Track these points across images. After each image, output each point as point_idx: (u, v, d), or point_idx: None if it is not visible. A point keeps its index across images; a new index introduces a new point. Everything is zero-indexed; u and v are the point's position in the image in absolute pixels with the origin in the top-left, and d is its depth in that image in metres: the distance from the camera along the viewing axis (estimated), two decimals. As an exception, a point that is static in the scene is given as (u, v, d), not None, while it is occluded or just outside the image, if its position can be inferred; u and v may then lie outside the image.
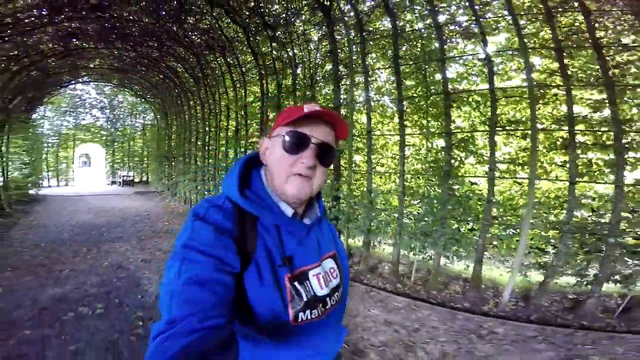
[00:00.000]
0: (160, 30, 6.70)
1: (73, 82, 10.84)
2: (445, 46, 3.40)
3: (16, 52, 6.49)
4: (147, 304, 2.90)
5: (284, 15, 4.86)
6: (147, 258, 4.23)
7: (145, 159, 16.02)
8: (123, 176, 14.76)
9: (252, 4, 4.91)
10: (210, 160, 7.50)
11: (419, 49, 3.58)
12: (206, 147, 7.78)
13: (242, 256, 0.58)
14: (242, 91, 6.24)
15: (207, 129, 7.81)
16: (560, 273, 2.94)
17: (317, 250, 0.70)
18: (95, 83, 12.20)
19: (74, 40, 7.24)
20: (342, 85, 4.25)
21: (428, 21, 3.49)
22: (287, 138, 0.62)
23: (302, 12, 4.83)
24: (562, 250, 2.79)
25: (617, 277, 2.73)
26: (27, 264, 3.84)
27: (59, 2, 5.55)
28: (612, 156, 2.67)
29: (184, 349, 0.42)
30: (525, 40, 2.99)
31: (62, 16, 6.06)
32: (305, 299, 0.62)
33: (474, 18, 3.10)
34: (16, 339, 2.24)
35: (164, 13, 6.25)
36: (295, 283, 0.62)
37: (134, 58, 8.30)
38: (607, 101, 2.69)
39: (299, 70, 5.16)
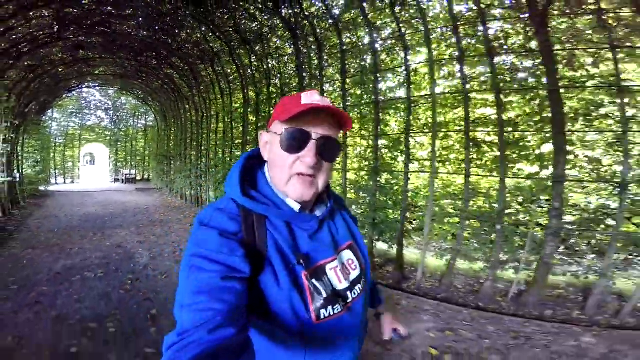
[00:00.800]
0: (157, 42, 7.57)
1: (80, 86, 11.82)
2: (388, 58, 4.17)
3: (32, 62, 7.41)
4: (136, 270, 3.76)
5: (261, 32, 5.68)
6: (142, 240, 5.10)
7: (147, 158, 17.01)
8: (126, 174, 15.79)
9: (233, 22, 5.74)
10: (203, 159, 8.36)
11: (360, 62, 4.36)
12: (200, 148, 8.66)
13: (253, 258, 0.56)
14: (228, 98, 7.09)
15: (200, 131, 8.69)
16: (468, 257, 3.60)
17: (331, 242, 0.67)
18: (100, 87, 13.18)
19: (81, 50, 8.16)
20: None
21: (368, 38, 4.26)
22: (285, 136, 0.59)
23: (277, 29, 5.64)
24: (460, 236, 3.52)
25: (513, 263, 3.33)
26: (44, 244, 4.73)
27: (68, 19, 6.43)
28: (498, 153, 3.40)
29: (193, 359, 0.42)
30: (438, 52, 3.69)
31: (71, 30, 6.96)
32: (324, 295, 0.60)
33: (398, 34, 3.85)
34: (36, 292, 3.09)
35: (158, 28, 7.12)
36: (313, 280, 0.60)
37: (135, 66, 9.21)
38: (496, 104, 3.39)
39: (277, 81, 5.98)
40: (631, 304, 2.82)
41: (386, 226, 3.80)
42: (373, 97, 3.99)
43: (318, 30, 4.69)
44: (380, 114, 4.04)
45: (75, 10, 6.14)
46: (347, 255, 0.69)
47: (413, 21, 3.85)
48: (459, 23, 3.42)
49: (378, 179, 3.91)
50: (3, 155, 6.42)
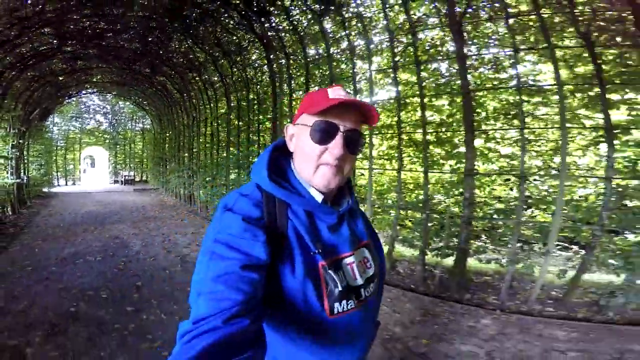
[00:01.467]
0: (148, 53, 8.29)
1: (79, 93, 12.60)
2: (347, 67, 4.84)
3: (35, 73, 8.16)
4: (129, 255, 4.50)
5: (239, 45, 6.37)
6: (136, 232, 5.84)
7: (145, 160, 17.80)
8: (125, 176, 16.60)
9: (213, 36, 6.44)
10: (194, 160, 9.09)
11: (321, 72, 5.05)
12: (191, 150, 9.40)
13: (273, 245, 0.57)
14: (215, 104, 7.81)
15: (191, 134, 9.42)
16: (409, 244, 4.21)
17: (350, 238, 0.68)
18: (98, 93, 13.96)
19: (79, 61, 8.91)
20: (281, 102, 5.74)
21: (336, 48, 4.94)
22: (315, 128, 0.61)
23: (253, 42, 6.33)
24: (395, 224, 4.21)
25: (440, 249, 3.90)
26: (51, 236, 5.48)
27: (66, 35, 7.15)
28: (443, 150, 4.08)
29: (208, 349, 0.43)
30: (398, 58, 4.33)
31: (69, 43, 7.69)
32: (340, 288, 0.61)
33: (349, 46, 4.52)
34: (46, 272, 3.80)
35: (148, 40, 7.84)
36: (330, 271, 0.61)
37: (129, 74, 9.95)
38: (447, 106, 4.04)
39: (257, 88, 6.67)
40: (535, 292, 3.08)
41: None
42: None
43: (286, 44, 5.39)
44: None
45: (72, 27, 6.86)
46: (364, 253, 0.71)
47: (360, 34, 4.53)
48: (393, 35, 4.08)
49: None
50: (12, 159, 7.19)
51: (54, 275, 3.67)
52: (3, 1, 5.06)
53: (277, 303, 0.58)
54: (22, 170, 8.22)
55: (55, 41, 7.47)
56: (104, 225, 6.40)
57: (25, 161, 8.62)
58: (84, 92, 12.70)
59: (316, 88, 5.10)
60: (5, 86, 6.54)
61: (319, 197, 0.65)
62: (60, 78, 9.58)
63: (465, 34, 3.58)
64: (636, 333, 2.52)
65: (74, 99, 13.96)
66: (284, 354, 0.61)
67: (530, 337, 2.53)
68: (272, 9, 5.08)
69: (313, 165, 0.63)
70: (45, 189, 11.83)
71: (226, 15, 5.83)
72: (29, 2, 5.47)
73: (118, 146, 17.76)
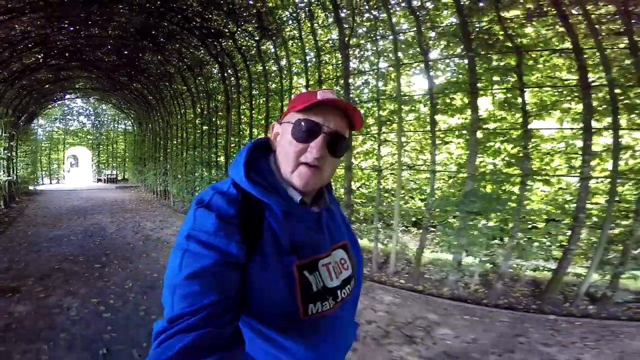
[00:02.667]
0: (125, 64, 9.55)
1: (63, 97, 13.73)
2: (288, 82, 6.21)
3: (24, 83, 9.34)
4: (104, 235, 5.83)
5: (201, 60, 7.70)
6: (113, 220, 7.15)
7: (127, 159, 18.92)
8: (107, 174, 17.72)
9: (177, 53, 7.76)
10: (167, 160, 10.40)
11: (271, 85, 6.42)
12: (166, 151, 10.70)
13: (247, 244, 0.57)
14: (184, 111, 9.14)
15: (165, 136, 10.72)
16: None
17: (327, 239, 0.69)
18: (81, 98, 15.08)
19: (62, 71, 10.10)
20: (237, 112, 7.10)
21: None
22: (297, 125, 0.62)
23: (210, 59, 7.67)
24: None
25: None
26: (40, 224, 6.75)
27: (51, 51, 8.38)
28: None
29: (186, 348, 0.43)
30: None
31: (54, 57, 8.90)
32: (315, 289, 0.62)
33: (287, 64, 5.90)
34: (38, 246, 5.09)
35: (125, 53, 9.11)
36: (305, 272, 0.62)
37: (109, 82, 11.18)
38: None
39: (219, 97, 8.00)
40: (391, 265, 3.95)
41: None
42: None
43: (235, 62, 6.76)
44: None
45: (55, 44, 8.08)
46: (340, 254, 0.72)
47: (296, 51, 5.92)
48: (321, 53, 5.46)
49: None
50: (4, 159, 8.39)
51: (44, 249, 4.99)
52: (-1, 31, 6.28)
53: (251, 303, 0.58)
54: (12, 169, 9.41)
55: (40, 57, 8.69)
56: (86, 216, 7.68)
57: (14, 161, 9.79)
58: (67, 97, 13.83)
59: (261, 101, 6.48)
60: (-1, 98, 7.76)
61: (297, 197, 0.65)
62: (46, 86, 10.77)
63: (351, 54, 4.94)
64: (447, 305, 3.30)
65: (58, 102, 15.05)
66: (261, 353, 0.60)
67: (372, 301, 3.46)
68: (225, 31, 6.43)
69: (292, 164, 0.63)
70: (31, 187, 12.94)
71: (187, 36, 7.16)
72: (18, 29, 6.71)
73: (101, 146, 18.84)
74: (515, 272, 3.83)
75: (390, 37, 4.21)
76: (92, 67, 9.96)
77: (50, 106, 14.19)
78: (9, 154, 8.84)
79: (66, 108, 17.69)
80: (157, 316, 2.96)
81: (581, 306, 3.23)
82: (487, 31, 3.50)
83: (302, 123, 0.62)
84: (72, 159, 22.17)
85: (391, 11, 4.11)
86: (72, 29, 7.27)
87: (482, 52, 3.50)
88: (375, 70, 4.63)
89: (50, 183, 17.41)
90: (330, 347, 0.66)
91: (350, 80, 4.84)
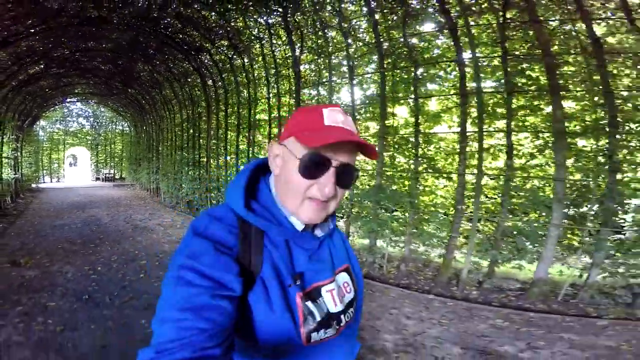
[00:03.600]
0: (120, 72, 10.63)
1: (64, 101, 14.88)
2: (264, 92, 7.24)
3: (29, 89, 10.45)
4: (99, 224, 6.91)
5: (186, 70, 8.76)
6: (108, 213, 8.23)
7: (124, 159, 20.07)
8: (105, 173, 18.87)
9: (164, 64, 8.83)
10: (160, 160, 11.48)
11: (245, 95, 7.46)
12: (158, 151, 11.79)
13: (246, 276, 0.56)
14: (173, 115, 10.22)
15: (158, 139, 11.81)
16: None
17: (330, 264, 0.69)
18: (80, 102, 16.22)
19: (63, 78, 11.21)
20: (216, 118, 8.14)
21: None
22: (304, 162, 0.58)
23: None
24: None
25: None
26: (44, 216, 7.84)
27: (52, 61, 9.47)
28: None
29: None
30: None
31: (54, 67, 10.00)
32: (318, 318, 0.61)
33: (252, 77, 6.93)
34: (44, 232, 6.18)
35: (120, 62, 10.19)
36: (308, 302, 0.61)
37: (106, 88, 12.28)
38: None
39: (203, 103, 9.06)
40: None
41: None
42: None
43: (213, 74, 7.82)
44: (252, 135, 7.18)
45: (56, 55, 9.16)
46: (344, 277, 0.71)
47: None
48: (279, 68, 6.48)
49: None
50: (11, 159, 9.51)
51: (48, 234, 6.07)
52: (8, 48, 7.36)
53: (252, 332, 0.57)
54: (17, 168, 10.53)
55: (43, 67, 9.79)
56: (84, 210, 8.77)
57: (20, 160, 10.91)
58: (67, 100, 14.97)
59: (235, 109, 7.52)
60: (8, 104, 8.86)
61: (299, 226, 0.63)
62: (48, 91, 11.88)
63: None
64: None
65: (59, 105, 16.20)
66: None
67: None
68: (205, 46, 7.47)
69: (299, 199, 0.60)
70: (34, 185, 14.08)
71: (172, 50, 8.22)
72: (24, 44, 7.79)
73: (99, 146, 20.00)
74: (428, 259, 4.79)
75: (333, 55, 5.25)
76: (90, 75, 11.06)
77: (51, 109, 15.33)
78: (16, 155, 9.96)
79: (66, 110, 18.85)
80: (130, 282, 4.02)
81: (466, 290, 3.74)
82: (395, 49, 4.50)
83: (310, 159, 0.57)
84: (72, 159, 23.37)
85: (327, 33, 5.15)
86: (70, 43, 8.35)
87: (391, 68, 4.50)
88: (320, 83, 5.67)
89: (51, 181, 18.58)
90: None
91: (305, 90, 5.90)
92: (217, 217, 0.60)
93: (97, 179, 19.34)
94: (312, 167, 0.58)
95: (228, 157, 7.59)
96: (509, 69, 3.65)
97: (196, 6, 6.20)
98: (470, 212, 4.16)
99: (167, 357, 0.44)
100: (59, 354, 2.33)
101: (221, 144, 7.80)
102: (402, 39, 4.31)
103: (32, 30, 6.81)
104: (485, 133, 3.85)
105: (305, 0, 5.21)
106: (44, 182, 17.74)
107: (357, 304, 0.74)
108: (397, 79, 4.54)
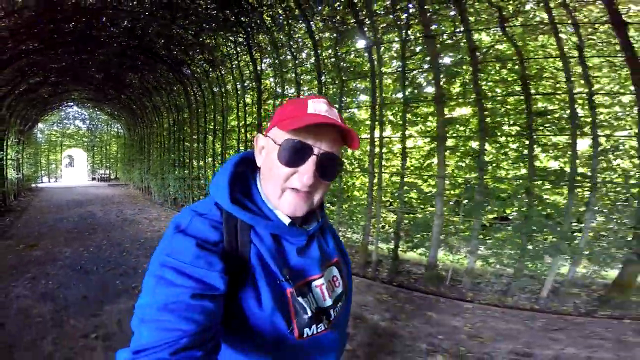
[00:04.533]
0: (112, 80, 11.72)
1: (61, 105, 16.00)
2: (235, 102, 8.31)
3: (30, 97, 11.56)
4: (94, 217, 8.04)
5: (171, 82, 9.83)
6: (101, 209, 9.35)
7: (119, 160, 21.20)
8: (101, 174, 20.00)
9: (151, 75, 9.90)
10: (150, 161, 12.58)
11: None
12: (149, 153, 12.89)
13: (232, 273, 0.55)
14: (161, 120, 11.31)
15: (149, 141, 12.91)
16: None
17: (319, 258, 0.68)
18: (77, 105, 17.33)
19: (60, 86, 12.31)
20: (197, 124, 9.21)
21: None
22: (284, 147, 0.57)
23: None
24: None
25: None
26: (45, 212, 8.96)
27: (50, 71, 10.55)
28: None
29: None
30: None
31: (52, 76, 11.09)
32: (309, 313, 0.61)
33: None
34: (46, 224, 7.30)
35: (112, 71, 11.27)
36: (299, 297, 0.61)
37: (100, 94, 13.38)
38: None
39: (187, 110, 10.13)
40: None
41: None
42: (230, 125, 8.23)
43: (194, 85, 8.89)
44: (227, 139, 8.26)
45: (53, 66, 10.24)
46: (333, 272, 0.72)
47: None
48: (245, 82, 7.55)
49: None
50: (14, 161, 10.63)
51: (50, 226, 7.17)
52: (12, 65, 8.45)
53: (241, 330, 0.57)
54: (19, 169, 11.65)
55: (42, 78, 10.89)
56: (81, 206, 9.88)
57: (21, 162, 12.03)
58: (64, 105, 16.09)
59: (212, 116, 8.60)
60: (11, 111, 9.98)
61: (286, 220, 0.63)
62: (46, 97, 13.00)
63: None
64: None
65: (56, 109, 17.32)
66: None
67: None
68: (187, 60, 8.54)
69: (279, 189, 0.60)
70: (33, 184, 15.21)
71: (157, 63, 9.30)
72: (25, 61, 8.87)
73: (95, 148, 21.11)
74: (351, 243, 5.84)
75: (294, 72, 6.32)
76: (85, 82, 12.17)
77: (49, 113, 16.45)
78: (18, 156, 11.09)
79: (63, 113, 19.92)
80: (114, 259, 5.07)
81: (377, 272, 4.44)
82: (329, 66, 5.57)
83: (290, 145, 0.57)
84: (69, 159, 24.54)
85: (280, 53, 6.21)
86: (65, 55, 9.43)
87: (330, 82, 5.56)
88: (278, 96, 6.73)
89: (49, 181, 19.71)
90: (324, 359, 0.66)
91: (270, 101, 6.96)
92: (200, 212, 0.59)
93: (93, 179, 20.47)
94: (292, 154, 0.57)
95: (209, 159, 8.69)
96: (406, 84, 4.62)
97: (173, 27, 7.27)
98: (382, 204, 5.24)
99: (144, 358, 0.44)
100: (53, 302, 3.39)
101: (202, 147, 8.89)
102: (333, 58, 5.38)
103: (32, 48, 7.90)
104: (386, 139, 4.90)
105: (267, 22, 6.27)
106: (42, 182, 18.85)
107: (347, 298, 0.74)
108: (331, 92, 5.60)
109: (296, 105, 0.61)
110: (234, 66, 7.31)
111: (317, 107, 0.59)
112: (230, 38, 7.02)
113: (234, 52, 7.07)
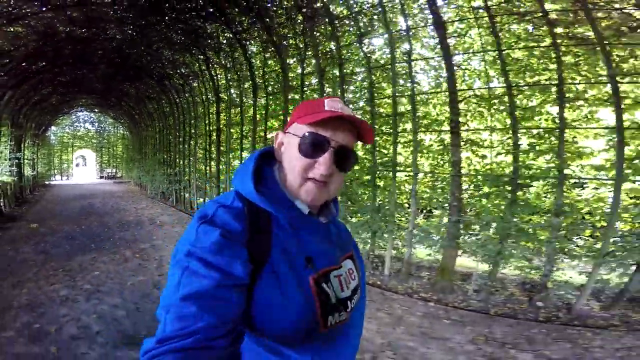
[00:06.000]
0: (113, 89, 13.61)
1: (70, 111, 18.19)
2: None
3: (42, 105, 13.60)
4: (94, 208, 9.85)
5: (162, 91, 11.56)
6: (101, 201, 11.20)
7: (124, 160, 23.40)
8: (108, 172, 22.20)
9: (146, 87, 11.68)
10: (146, 160, 14.44)
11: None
12: (145, 154, 14.76)
13: (255, 262, 0.58)
14: (154, 124, 13.11)
15: (145, 143, 14.79)
16: None
17: (337, 250, 0.72)
18: (86, 110, 19.52)
19: (68, 95, 14.33)
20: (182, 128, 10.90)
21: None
22: (304, 140, 0.63)
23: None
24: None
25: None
26: (56, 203, 10.86)
27: (58, 84, 12.50)
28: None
29: None
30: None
31: (59, 87, 13.06)
32: (332, 300, 0.64)
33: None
34: (55, 213, 9.13)
35: (111, 83, 13.15)
36: (323, 284, 0.63)
37: (104, 100, 15.36)
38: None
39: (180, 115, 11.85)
40: None
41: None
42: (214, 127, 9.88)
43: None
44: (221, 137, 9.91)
45: (59, 80, 12.17)
46: (349, 264, 0.74)
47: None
48: (219, 92, 9.16)
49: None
50: (30, 160, 12.67)
51: (58, 212, 9.00)
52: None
53: (264, 320, 0.58)
54: (34, 168, 13.73)
55: (51, 90, 12.89)
56: (84, 199, 11.77)
57: (36, 161, 14.13)
58: (73, 110, 18.27)
59: (193, 121, 10.26)
60: (27, 118, 12.00)
61: (305, 209, 0.66)
62: (57, 104, 15.08)
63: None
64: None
65: (67, 114, 19.56)
66: None
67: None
68: (170, 73, 10.23)
69: (299, 179, 0.64)
70: (46, 182, 17.43)
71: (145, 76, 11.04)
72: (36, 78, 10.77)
73: (103, 149, 23.36)
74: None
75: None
76: (89, 91, 14.14)
77: (61, 117, 18.67)
78: (33, 157, 13.16)
79: (74, 116, 22.24)
80: (98, 233, 6.78)
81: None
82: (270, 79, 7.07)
83: (309, 137, 0.62)
84: (81, 159, 27.03)
85: (237, 69, 7.76)
86: (69, 71, 11.33)
87: (271, 92, 7.06)
88: (237, 105, 8.30)
89: (61, 179, 22.05)
90: (342, 356, 0.68)
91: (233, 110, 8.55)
92: (225, 205, 0.62)
93: (101, 177, 22.72)
94: (311, 146, 0.62)
95: (191, 159, 10.37)
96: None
97: (154, 47, 8.95)
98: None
99: (167, 347, 0.46)
100: (44, 254, 5.05)
101: (183, 148, 10.59)
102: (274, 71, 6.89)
103: (41, 67, 9.77)
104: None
105: (222, 45, 7.85)
106: (54, 180, 21.19)
107: (361, 290, 0.77)
108: (271, 103, 7.10)
109: (313, 103, 0.67)
110: (200, 81, 8.95)
111: (333, 104, 0.65)
112: (200, 57, 8.65)
113: (199, 70, 8.72)
